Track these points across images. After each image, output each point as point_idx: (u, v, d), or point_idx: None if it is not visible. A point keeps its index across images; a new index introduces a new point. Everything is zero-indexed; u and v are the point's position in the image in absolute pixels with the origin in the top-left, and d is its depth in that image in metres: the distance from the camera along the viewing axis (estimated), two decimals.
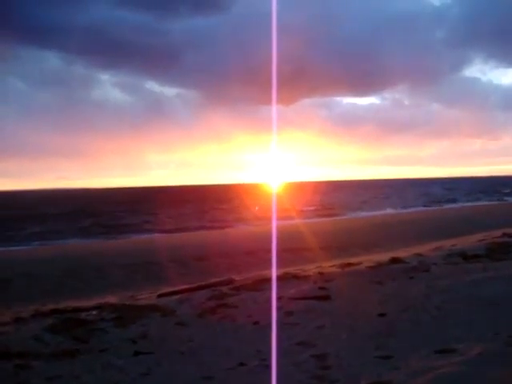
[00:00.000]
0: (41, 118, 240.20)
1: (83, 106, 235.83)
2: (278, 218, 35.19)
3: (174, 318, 8.25)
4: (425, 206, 56.76)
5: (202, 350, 6.57)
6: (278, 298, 8.74)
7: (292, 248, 18.45)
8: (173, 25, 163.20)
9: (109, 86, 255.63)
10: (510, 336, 5.77)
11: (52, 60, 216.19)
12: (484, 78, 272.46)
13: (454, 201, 63.47)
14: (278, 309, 7.94)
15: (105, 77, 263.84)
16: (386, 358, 5.59)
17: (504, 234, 17.03)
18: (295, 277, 11.08)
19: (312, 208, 56.35)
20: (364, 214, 47.65)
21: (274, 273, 10.85)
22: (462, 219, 31.62)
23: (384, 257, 13.84)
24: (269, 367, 5.48)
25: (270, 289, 9.43)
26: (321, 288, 9.72)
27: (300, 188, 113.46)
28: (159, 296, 10.50)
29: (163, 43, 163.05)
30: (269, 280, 10.37)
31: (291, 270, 12.46)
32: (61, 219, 48.26)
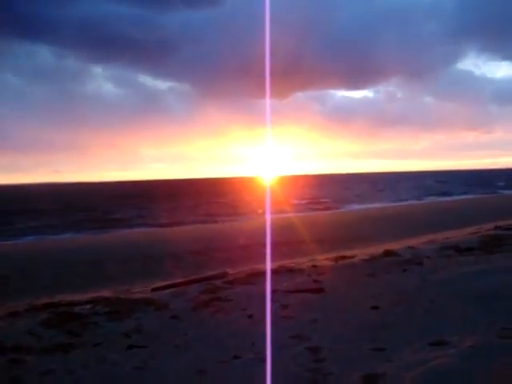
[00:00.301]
0: (34, 112, 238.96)
1: (77, 99, 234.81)
2: (272, 212, 35.24)
3: (168, 311, 8.25)
4: (419, 199, 56.95)
5: (196, 343, 6.57)
6: (273, 291, 8.75)
7: (286, 241, 18.48)
8: (166, 18, 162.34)
9: (102, 79, 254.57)
10: (503, 328, 5.81)
11: (45, 54, 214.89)
12: (477, 72, 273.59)
13: (448, 194, 63.71)
14: (273, 302, 7.96)
15: (97, 70, 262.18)
16: (379, 351, 5.62)
17: (496, 227, 17.13)
18: (289, 270, 11.10)
19: (305, 202, 56.45)
20: (357, 207, 47.78)
21: (268, 266, 10.87)
22: (455, 212, 31.76)
23: (377, 250, 13.89)
24: (263, 360, 5.50)
25: (263, 282, 9.44)
26: (315, 281, 9.75)
27: (294, 182, 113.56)
28: (153, 290, 10.50)
29: (156, 37, 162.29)
30: (263, 273, 10.39)
31: (285, 263, 12.49)
32: (55, 213, 48.05)
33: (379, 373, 4.80)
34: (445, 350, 5.18)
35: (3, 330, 7.38)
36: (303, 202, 56.04)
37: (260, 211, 41.72)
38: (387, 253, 12.69)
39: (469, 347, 5.13)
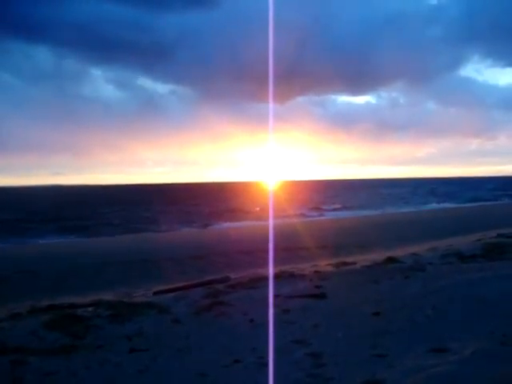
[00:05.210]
0: (35, 113, 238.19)
1: (77, 101, 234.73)
2: (274, 217, 35.23)
3: (169, 315, 8.27)
4: (422, 205, 56.81)
5: (197, 347, 6.59)
6: (274, 296, 8.75)
7: (288, 247, 18.48)
8: (166, 20, 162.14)
9: (102, 81, 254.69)
10: (505, 335, 5.81)
11: (44, 55, 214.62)
12: (480, 78, 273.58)
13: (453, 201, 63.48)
14: (274, 307, 7.96)
15: (97, 72, 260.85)
16: (380, 357, 5.62)
17: (499, 235, 17.11)
18: (291, 275, 11.11)
19: (307, 207, 56.42)
20: (360, 213, 47.75)
21: (270, 271, 10.87)
22: (458, 219, 31.71)
23: (380, 256, 13.89)
24: (265, 364, 5.52)
25: (265, 287, 9.45)
26: (317, 286, 9.75)
27: (294, 187, 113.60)
28: (155, 293, 10.52)
29: (157, 39, 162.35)
30: (264, 278, 10.40)
31: (287, 268, 12.50)
32: (57, 216, 48.17)
33: (380, 379, 4.80)
34: (446, 357, 5.18)
35: (6, 331, 7.41)
36: (305, 207, 56.02)
37: (262, 216, 41.71)
38: (390, 259, 12.70)
39: (470, 354, 5.13)
